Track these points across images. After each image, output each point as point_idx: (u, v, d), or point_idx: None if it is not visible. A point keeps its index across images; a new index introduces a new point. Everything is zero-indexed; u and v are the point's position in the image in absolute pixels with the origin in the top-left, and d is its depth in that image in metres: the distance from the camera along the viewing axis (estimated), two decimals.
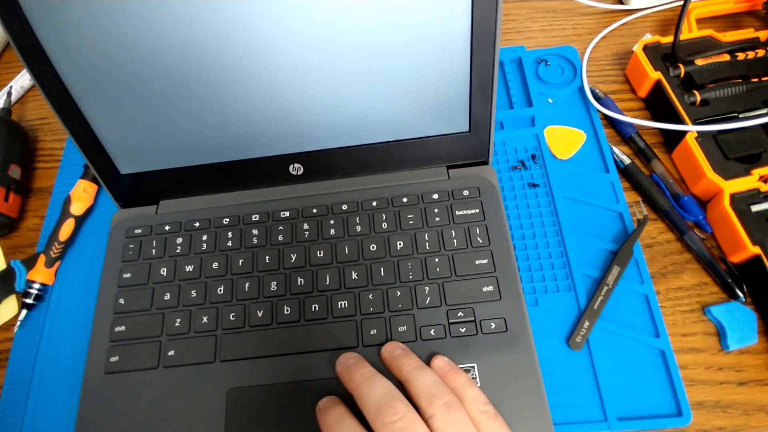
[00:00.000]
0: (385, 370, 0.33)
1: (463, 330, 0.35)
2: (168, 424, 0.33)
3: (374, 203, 0.40)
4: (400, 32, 0.33)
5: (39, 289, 0.41)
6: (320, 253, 0.38)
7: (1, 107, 0.48)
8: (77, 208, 0.43)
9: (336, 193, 0.40)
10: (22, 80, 0.52)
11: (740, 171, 0.40)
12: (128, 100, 0.35)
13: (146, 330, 0.36)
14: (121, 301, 0.37)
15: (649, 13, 0.52)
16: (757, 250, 0.37)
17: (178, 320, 0.36)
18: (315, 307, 0.36)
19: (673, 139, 0.44)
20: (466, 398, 0.30)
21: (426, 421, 0.28)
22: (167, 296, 0.37)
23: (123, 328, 0.36)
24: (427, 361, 0.33)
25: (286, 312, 0.36)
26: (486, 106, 0.37)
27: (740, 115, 0.43)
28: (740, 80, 0.44)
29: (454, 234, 0.38)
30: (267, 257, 0.38)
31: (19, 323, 0.40)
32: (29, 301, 0.41)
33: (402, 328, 0.35)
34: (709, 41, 0.47)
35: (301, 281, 0.37)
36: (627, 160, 0.43)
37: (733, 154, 0.41)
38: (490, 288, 0.36)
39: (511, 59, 0.49)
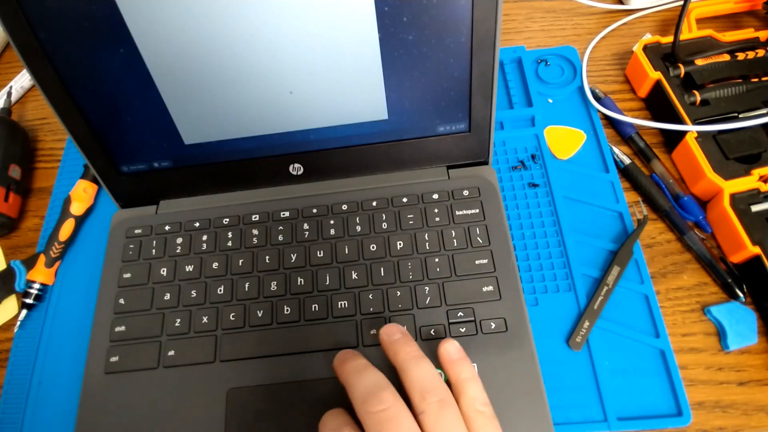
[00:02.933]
0: (384, 366, 0.30)
1: (463, 330, 0.35)
2: (168, 424, 0.33)
3: (374, 203, 0.40)
4: (400, 32, 0.33)
5: (39, 289, 0.41)
6: (320, 253, 0.38)
7: (1, 107, 0.48)
8: (77, 208, 0.43)
9: (336, 193, 0.40)
10: (22, 80, 0.52)
11: (740, 171, 0.40)
12: (128, 100, 0.35)
13: (146, 330, 0.36)
14: (121, 301, 0.37)
15: (649, 13, 0.52)
16: (757, 250, 0.37)
17: (178, 320, 0.36)
18: (315, 307, 0.36)
19: (673, 139, 0.44)
20: (466, 393, 0.28)
21: (416, 416, 0.26)
22: (167, 296, 0.37)
23: (123, 328, 0.37)
24: (438, 344, 0.31)
25: (286, 312, 0.36)
26: (486, 106, 0.37)
27: (740, 115, 0.43)
28: (740, 80, 0.44)
29: (454, 234, 0.38)
30: (267, 257, 0.38)
31: (19, 323, 0.40)
32: (29, 301, 0.41)
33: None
34: (709, 41, 0.47)
35: (301, 281, 0.37)
36: (627, 160, 0.43)
37: (733, 154, 0.41)
38: (490, 288, 0.36)
39: (511, 59, 0.49)
